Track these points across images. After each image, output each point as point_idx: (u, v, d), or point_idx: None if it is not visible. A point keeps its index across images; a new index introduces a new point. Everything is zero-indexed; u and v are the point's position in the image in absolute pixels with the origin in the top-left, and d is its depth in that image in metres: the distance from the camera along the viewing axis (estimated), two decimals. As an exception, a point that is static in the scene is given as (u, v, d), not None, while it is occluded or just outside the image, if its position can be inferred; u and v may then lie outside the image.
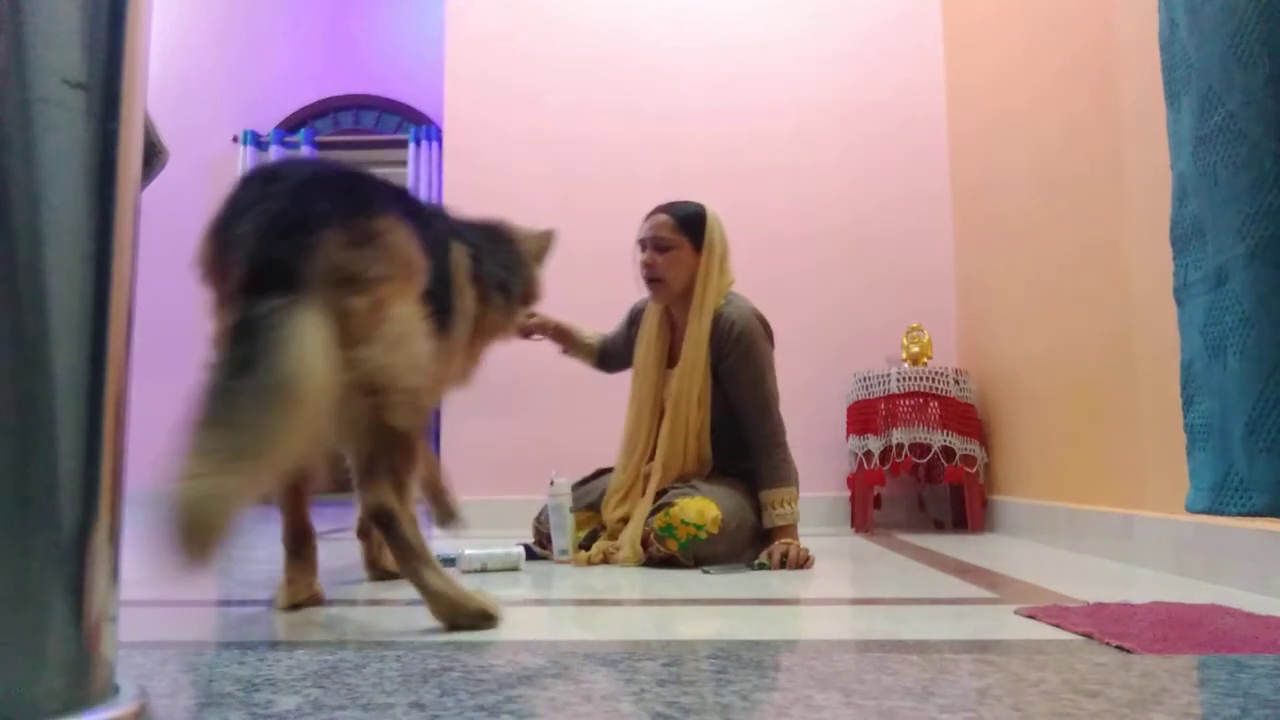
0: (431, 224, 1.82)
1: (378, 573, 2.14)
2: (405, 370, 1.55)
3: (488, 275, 2.04)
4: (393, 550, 1.56)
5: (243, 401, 1.29)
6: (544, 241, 2.31)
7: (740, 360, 2.38)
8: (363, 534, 2.17)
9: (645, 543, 2.31)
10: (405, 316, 1.58)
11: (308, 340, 1.38)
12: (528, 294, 2.22)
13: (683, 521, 2.24)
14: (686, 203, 2.51)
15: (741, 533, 2.32)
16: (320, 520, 1.94)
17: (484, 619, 1.51)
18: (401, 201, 1.76)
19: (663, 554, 2.28)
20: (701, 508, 2.26)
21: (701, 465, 2.43)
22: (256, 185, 1.57)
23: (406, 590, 1.92)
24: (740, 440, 2.42)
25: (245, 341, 1.35)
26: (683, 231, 2.44)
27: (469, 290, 1.98)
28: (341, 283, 1.49)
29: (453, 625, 1.50)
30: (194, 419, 1.28)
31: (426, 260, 1.67)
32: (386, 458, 1.55)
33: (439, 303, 1.78)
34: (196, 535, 1.14)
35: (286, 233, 1.47)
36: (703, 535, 2.23)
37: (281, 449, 1.30)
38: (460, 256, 1.95)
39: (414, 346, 1.59)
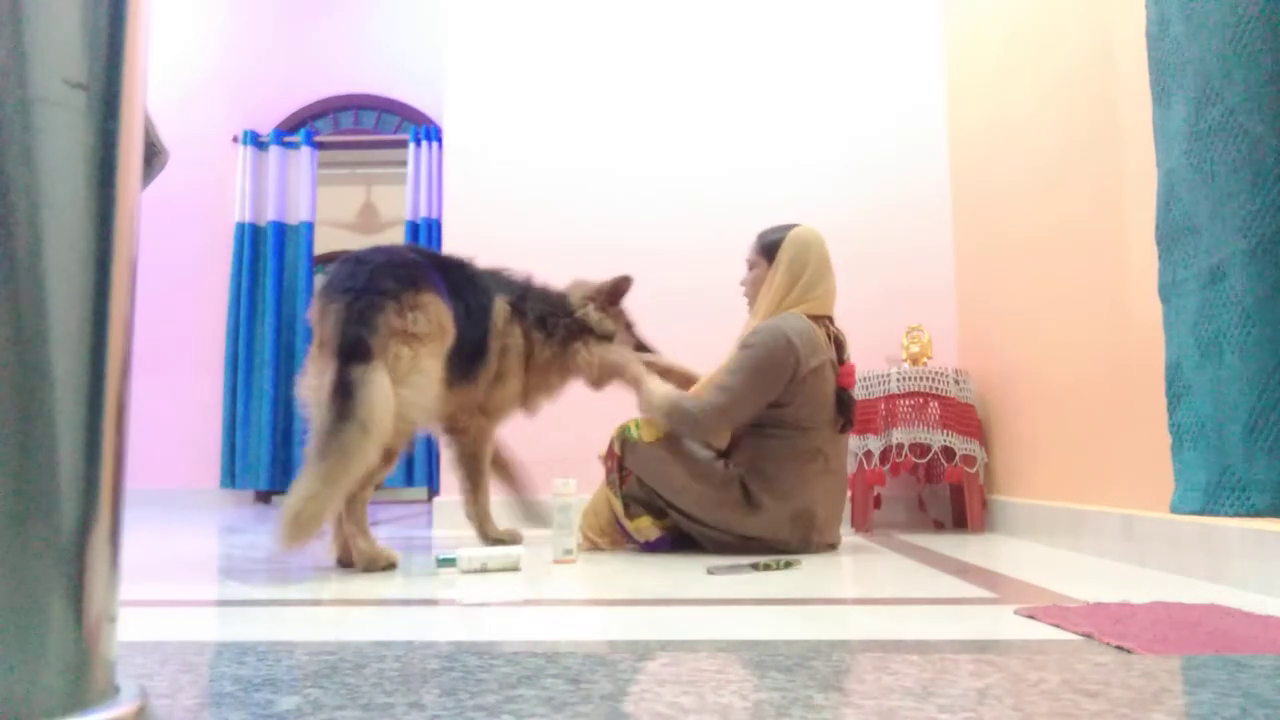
0: (476, 286, 2.57)
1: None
2: (417, 408, 2.29)
3: (530, 315, 2.69)
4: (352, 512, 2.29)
5: (338, 439, 2.06)
6: (590, 285, 2.84)
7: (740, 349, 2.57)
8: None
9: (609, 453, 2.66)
10: (429, 370, 2.32)
11: (379, 394, 2.14)
12: (583, 327, 2.78)
13: (634, 421, 2.64)
14: (777, 228, 2.74)
15: (660, 472, 2.55)
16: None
17: (388, 566, 2.26)
18: (446, 273, 2.47)
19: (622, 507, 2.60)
20: (652, 426, 2.60)
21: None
22: (349, 266, 2.32)
23: (407, 590, 1.94)
24: (754, 451, 2.59)
25: (342, 397, 2.12)
26: (760, 253, 2.74)
27: (514, 330, 2.68)
28: (396, 335, 2.26)
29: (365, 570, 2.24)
30: (311, 449, 2.13)
31: (455, 324, 2.42)
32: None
33: (477, 346, 2.54)
34: (298, 531, 1.99)
35: (363, 313, 2.22)
36: (634, 434, 2.60)
37: (358, 466, 2.09)
38: (501, 306, 2.65)
39: (430, 391, 2.34)
